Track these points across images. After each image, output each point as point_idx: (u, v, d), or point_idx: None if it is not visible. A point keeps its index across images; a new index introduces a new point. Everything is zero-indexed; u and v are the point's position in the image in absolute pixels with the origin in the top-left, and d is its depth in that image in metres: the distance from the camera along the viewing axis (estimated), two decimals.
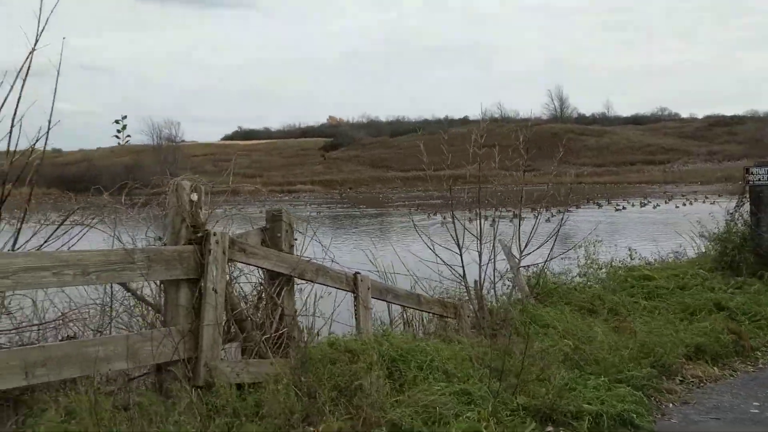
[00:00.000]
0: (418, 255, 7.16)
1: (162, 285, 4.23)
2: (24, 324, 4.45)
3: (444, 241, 6.90)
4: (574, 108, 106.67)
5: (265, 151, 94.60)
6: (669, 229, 21.72)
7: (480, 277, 6.54)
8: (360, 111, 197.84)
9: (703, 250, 10.80)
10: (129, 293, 4.54)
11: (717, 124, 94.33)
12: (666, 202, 40.23)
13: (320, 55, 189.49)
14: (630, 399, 4.44)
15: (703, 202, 36.75)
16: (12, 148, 4.30)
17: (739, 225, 9.57)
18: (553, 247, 7.11)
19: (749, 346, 6.32)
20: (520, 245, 6.79)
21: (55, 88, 4.52)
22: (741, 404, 4.97)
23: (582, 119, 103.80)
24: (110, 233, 4.50)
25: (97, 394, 3.36)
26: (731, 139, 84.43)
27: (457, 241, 6.49)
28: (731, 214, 9.78)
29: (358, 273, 5.50)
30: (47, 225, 4.72)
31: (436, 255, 6.66)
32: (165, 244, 4.19)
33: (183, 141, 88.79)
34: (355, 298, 5.40)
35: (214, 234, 4.12)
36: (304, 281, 5.06)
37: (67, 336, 4.43)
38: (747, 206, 9.57)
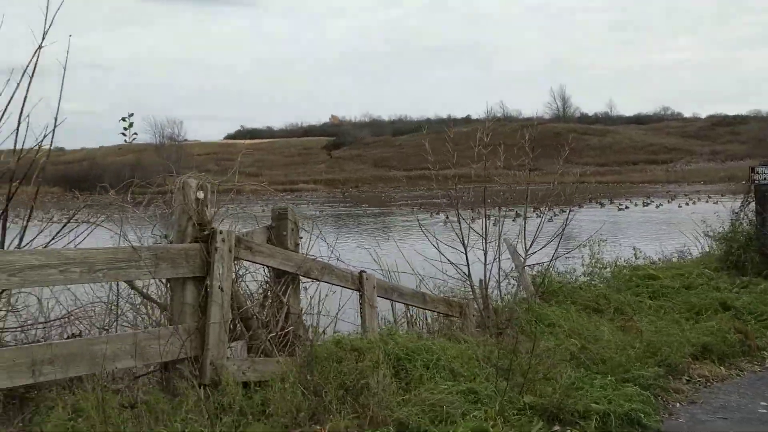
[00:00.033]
0: (423, 254, 7.14)
1: (168, 283, 4.22)
2: (30, 322, 4.45)
3: (447, 241, 6.88)
4: (576, 107, 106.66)
5: (267, 150, 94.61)
6: (672, 228, 21.73)
7: (485, 276, 6.52)
8: (362, 110, 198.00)
9: (707, 250, 10.80)
10: (134, 291, 4.54)
11: (720, 123, 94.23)
12: (669, 202, 40.17)
13: (320, 55, 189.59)
14: (637, 398, 4.42)
15: (706, 201, 36.65)
16: (18, 146, 4.29)
17: (745, 224, 9.55)
18: (558, 246, 7.08)
19: (756, 345, 6.30)
20: (525, 244, 6.76)
21: (62, 86, 4.53)
22: (748, 404, 4.95)
23: (584, 119, 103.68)
24: (116, 231, 4.48)
25: (104, 392, 3.35)
26: (734, 138, 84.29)
27: (463, 240, 6.47)
28: (736, 213, 9.75)
29: (364, 272, 5.49)
30: (53, 223, 4.71)
31: (441, 254, 6.64)
32: (171, 242, 4.18)
33: (185, 140, 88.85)
34: (361, 296, 5.39)
35: (221, 232, 4.11)
36: (309, 280, 5.05)
37: (73, 334, 4.43)
38: (752, 206, 9.54)
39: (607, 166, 76.36)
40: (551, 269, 7.49)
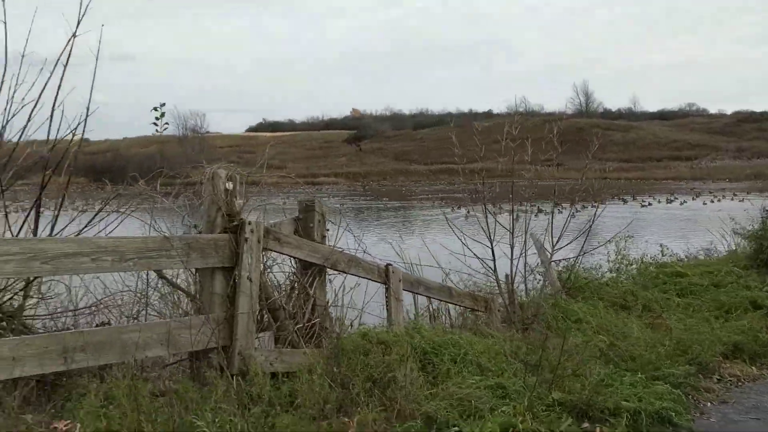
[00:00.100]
0: (448, 247, 7.10)
1: (197, 273, 4.23)
2: (59, 309, 4.49)
3: (470, 235, 6.84)
4: (599, 103, 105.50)
5: (289, 143, 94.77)
6: (697, 226, 21.43)
7: (511, 270, 6.47)
8: (383, 104, 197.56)
9: (734, 248, 10.62)
10: (163, 280, 4.56)
11: (746, 120, 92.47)
12: (693, 199, 39.58)
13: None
14: (668, 397, 4.34)
15: (732, 199, 36.14)
16: (52, 137, 4.32)
17: None
18: (585, 242, 7.01)
19: None
20: (552, 240, 6.70)
21: (94, 76, 4.56)
22: None
23: (608, 114, 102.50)
24: (146, 221, 4.51)
25: (135, 380, 3.36)
26: (761, 135, 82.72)
27: (489, 234, 6.42)
28: (767, 211, 9.58)
29: (390, 264, 5.46)
30: (83, 212, 4.74)
31: (468, 248, 6.59)
32: (200, 233, 4.19)
33: (208, 132, 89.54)
34: (387, 289, 5.37)
35: (249, 223, 4.11)
36: (333, 272, 5.04)
37: (102, 322, 4.47)
38: None
39: (631, 162, 75.38)
40: (577, 265, 7.42)
